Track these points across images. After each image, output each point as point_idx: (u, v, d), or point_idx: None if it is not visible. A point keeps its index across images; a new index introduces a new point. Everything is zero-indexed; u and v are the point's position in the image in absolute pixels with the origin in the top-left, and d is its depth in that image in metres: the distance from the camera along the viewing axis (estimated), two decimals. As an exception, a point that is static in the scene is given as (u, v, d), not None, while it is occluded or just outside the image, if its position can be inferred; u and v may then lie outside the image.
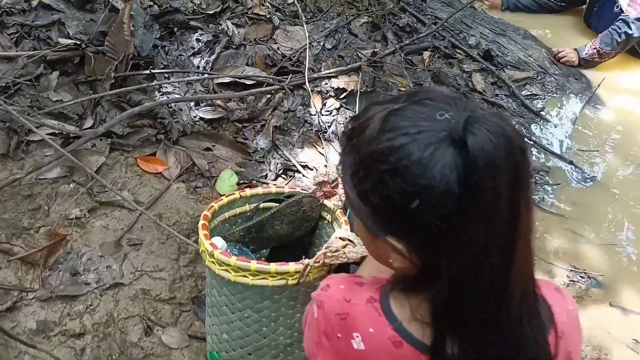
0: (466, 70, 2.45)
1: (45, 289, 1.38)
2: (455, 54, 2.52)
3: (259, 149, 1.93)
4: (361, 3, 2.54)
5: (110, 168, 1.68)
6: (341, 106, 2.14)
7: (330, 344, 0.70)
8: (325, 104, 2.14)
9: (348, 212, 1.21)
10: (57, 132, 1.65)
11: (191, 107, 1.94)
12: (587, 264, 1.81)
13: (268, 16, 2.27)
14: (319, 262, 1.00)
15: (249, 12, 2.25)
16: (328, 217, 1.26)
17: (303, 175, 1.91)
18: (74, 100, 1.70)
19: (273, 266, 0.99)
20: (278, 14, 2.31)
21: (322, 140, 2.03)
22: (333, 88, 2.16)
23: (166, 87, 1.96)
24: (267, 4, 2.30)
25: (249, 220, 1.22)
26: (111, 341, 1.31)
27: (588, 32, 2.79)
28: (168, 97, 1.91)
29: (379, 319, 0.68)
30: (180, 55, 2.05)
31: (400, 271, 0.68)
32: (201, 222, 1.11)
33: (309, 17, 2.36)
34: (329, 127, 2.08)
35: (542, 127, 2.31)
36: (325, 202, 1.24)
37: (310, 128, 2.07)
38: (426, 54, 2.47)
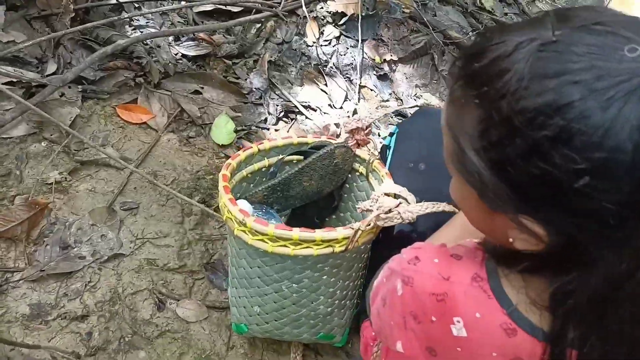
0: (472, -14, 2.22)
1: (33, 267, 1.19)
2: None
3: (254, 89, 1.70)
4: None
5: (87, 120, 1.44)
6: (341, 34, 1.90)
7: (420, 327, 0.59)
8: (322, 32, 1.89)
9: (388, 162, 1.04)
10: (15, 80, 1.37)
11: (170, 43, 1.67)
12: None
13: None
14: (370, 225, 0.85)
15: None
16: (361, 169, 1.09)
17: (306, 117, 1.71)
18: (31, 41, 1.40)
19: (319, 233, 0.84)
20: None
21: (324, 76, 1.81)
22: (330, 13, 1.91)
23: (138, 20, 1.66)
24: None
25: (272, 177, 1.04)
26: (120, 320, 1.16)
27: None
28: (142, 32, 1.62)
29: (488, 302, 0.56)
30: (150, -21, 1.73)
31: (522, 250, 0.53)
32: (222, 183, 0.93)
33: None
34: (330, 58, 1.85)
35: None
36: (358, 151, 1.07)
37: (308, 62, 1.84)
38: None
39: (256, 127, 1.65)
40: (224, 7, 1.75)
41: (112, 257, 1.23)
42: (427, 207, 0.83)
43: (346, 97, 1.80)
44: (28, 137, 1.36)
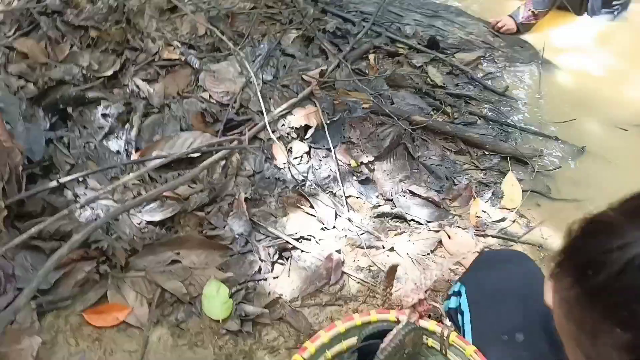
0: (417, 65, 2.19)
1: None
2: (398, 51, 2.24)
3: (237, 236, 1.48)
4: (281, 14, 2.13)
5: (51, 347, 1.13)
6: (310, 147, 1.75)
7: None
8: (291, 151, 1.73)
9: (469, 334, 0.85)
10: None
11: (131, 212, 1.42)
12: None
13: (182, 58, 1.77)
14: None
15: (157, 60, 1.73)
16: (431, 342, 0.89)
17: (302, 251, 1.51)
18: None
19: None
20: (192, 51, 1.81)
21: (306, 197, 1.63)
22: (293, 128, 1.76)
23: (85, 194, 1.40)
24: (176, 42, 1.79)
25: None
26: None
27: None
28: (94, 209, 1.36)
29: None
30: (88, 143, 1.49)
31: None
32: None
33: (228, 48, 1.90)
34: (306, 177, 1.69)
35: (512, 107, 2.15)
36: (423, 323, 0.88)
37: (285, 186, 1.66)
38: (371, 57, 2.16)
39: (252, 281, 1.41)
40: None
41: None
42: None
43: (336, 214, 1.62)
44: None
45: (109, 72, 1.59)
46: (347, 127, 1.85)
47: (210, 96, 1.70)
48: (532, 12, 2.41)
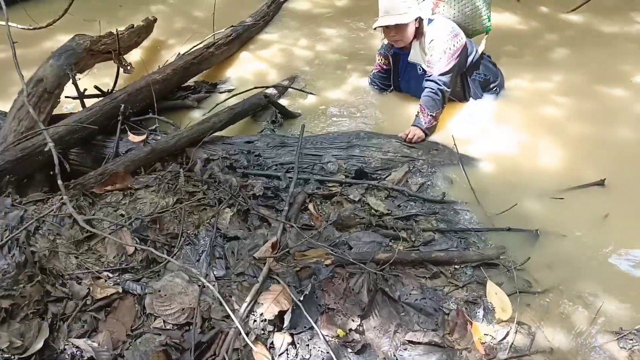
0: (355, 199, 2.17)
1: None
2: (332, 191, 2.22)
3: None
4: (206, 196, 2.01)
5: None
6: (292, 334, 1.56)
7: None
8: (273, 346, 1.53)
9: None
10: None
11: None
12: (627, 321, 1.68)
13: (119, 289, 1.54)
14: None
15: (90, 302, 1.48)
16: None
17: None
18: None
19: None
20: (127, 275, 1.60)
21: (310, 399, 1.42)
22: (266, 320, 1.57)
23: None
24: (105, 273, 1.57)
25: None
26: None
27: (404, 96, 2.93)
28: None
29: None
30: None
31: None
32: None
33: (167, 249, 1.72)
34: (300, 373, 1.48)
35: (455, 210, 2.18)
36: None
37: (282, 395, 1.43)
38: (311, 207, 2.10)
39: None
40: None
41: None
42: None
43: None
44: None
45: (39, 344, 1.31)
46: (320, 293, 1.71)
47: (164, 322, 1.47)
48: (432, 116, 2.58)
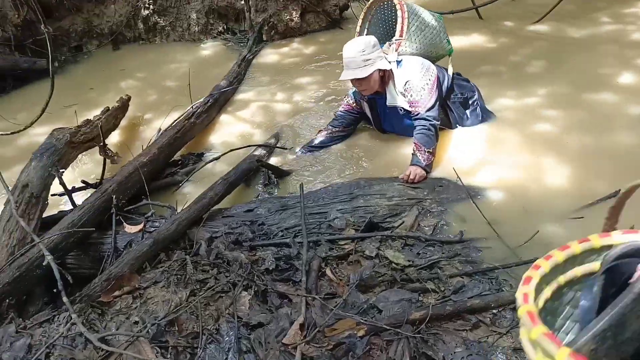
0: (372, 255, 2.08)
1: None
2: (346, 249, 2.12)
3: None
4: (218, 280, 1.90)
5: None
6: None
7: None
8: None
9: None
10: None
11: None
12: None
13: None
14: None
15: None
16: None
17: None
18: None
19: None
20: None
21: None
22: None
23: None
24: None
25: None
26: None
27: (388, 136, 2.88)
28: None
29: None
30: None
31: None
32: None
33: (189, 352, 1.59)
34: None
35: (476, 248, 2.10)
36: None
37: None
38: (329, 272, 2.00)
39: None
40: None
41: None
42: None
43: None
44: None
45: None
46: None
47: None
48: (429, 152, 2.54)
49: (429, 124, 2.57)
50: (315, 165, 2.80)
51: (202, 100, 3.45)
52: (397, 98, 2.67)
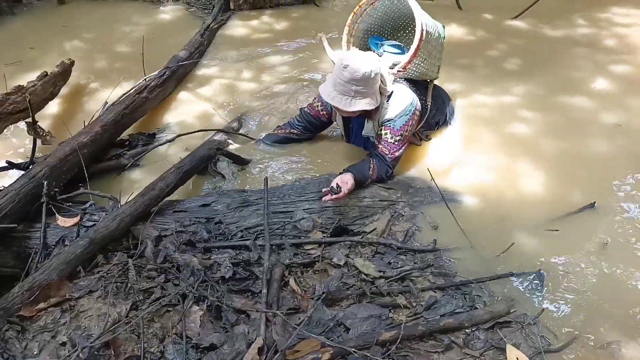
0: (340, 263, 1.90)
1: None
2: (312, 256, 1.94)
3: None
4: (164, 290, 1.65)
5: None
6: None
7: None
8: None
9: None
10: None
11: None
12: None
13: None
14: None
15: None
16: None
17: None
18: None
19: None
20: None
21: None
22: None
23: None
24: None
25: None
26: None
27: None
28: None
29: None
30: None
31: None
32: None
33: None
34: None
35: (449, 258, 1.98)
36: None
37: None
38: (292, 282, 1.81)
39: None
40: None
41: None
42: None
43: None
44: None
45: None
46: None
47: None
48: (378, 179, 2.29)
49: (388, 173, 2.30)
50: (282, 157, 2.55)
51: (157, 72, 3.10)
52: (372, 132, 2.37)
